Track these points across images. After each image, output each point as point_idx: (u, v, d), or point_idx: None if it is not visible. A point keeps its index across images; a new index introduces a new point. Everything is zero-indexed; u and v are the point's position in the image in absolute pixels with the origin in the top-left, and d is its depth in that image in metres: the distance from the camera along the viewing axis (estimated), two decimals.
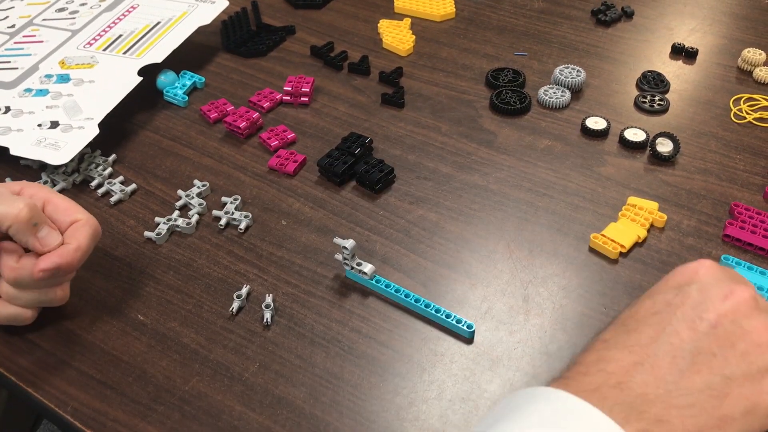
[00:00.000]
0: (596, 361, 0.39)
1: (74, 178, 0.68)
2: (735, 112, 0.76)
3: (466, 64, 0.84)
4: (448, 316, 0.54)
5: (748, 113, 0.76)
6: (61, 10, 0.86)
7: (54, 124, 0.68)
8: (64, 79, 0.74)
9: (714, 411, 0.36)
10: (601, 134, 0.73)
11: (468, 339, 0.54)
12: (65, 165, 0.68)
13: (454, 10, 0.93)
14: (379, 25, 0.91)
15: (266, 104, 0.77)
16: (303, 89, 0.77)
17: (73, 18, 0.84)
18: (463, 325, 0.53)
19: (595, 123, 0.73)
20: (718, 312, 0.39)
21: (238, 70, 0.84)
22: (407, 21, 0.91)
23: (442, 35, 0.90)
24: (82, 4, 0.87)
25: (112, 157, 0.70)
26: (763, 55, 0.82)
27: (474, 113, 0.76)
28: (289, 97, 0.78)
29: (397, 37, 0.87)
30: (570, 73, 0.79)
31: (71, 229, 0.53)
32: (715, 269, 0.42)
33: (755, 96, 0.78)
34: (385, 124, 0.75)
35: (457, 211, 0.65)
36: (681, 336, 0.38)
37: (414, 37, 0.88)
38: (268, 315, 0.55)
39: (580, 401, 0.36)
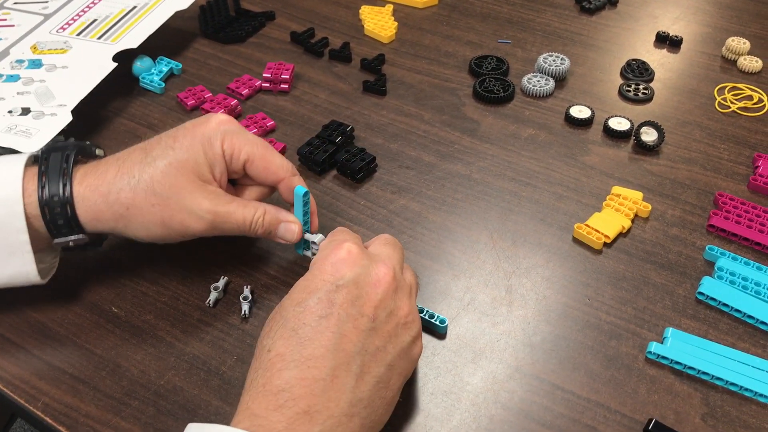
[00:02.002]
0: (282, 388, 0.39)
1: None
2: (719, 101, 0.76)
3: (449, 51, 0.83)
4: (420, 311, 0.52)
5: (732, 102, 0.75)
6: None
7: (25, 111, 0.66)
8: (36, 64, 0.72)
9: (383, 399, 0.42)
10: (585, 123, 0.72)
11: (441, 335, 0.53)
12: None
13: None
14: (360, 11, 0.89)
15: (245, 91, 0.75)
16: (283, 76, 0.75)
17: (46, 2, 0.82)
18: (435, 320, 0.52)
19: (579, 112, 0.72)
20: (373, 304, 0.43)
21: (216, 56, 0.82)
22: (389, 7, 0.90)
23: (424, 22, 0.88)
24: None
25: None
26: (747, 44, 0.81)
27: (457, 101, 0.75)
28: (268, 84, 0.76)
29: (379, 23, 0.86)
30: (554, 61, 0.78)
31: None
32: (359, 254, 0.44)
33: (739, 85, 0.78)
34: (367, 112, 0.74)
35: (439, 200, 0.64)
36: (350, 339, 0.41)
37: (396, 23, 0.87)
38: (245, 307, 0.53)
39: None
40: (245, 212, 0.51)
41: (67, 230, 0.49)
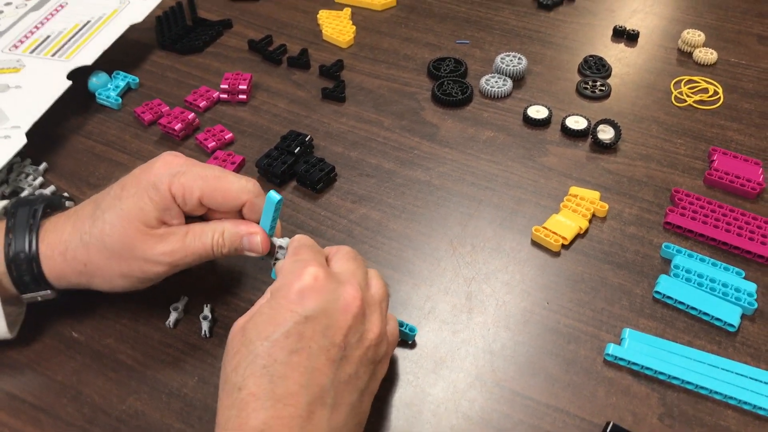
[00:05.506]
0: (261, 429, 0.38)
1: (3, 190, 0.65)
2: (676, 95, 0.76)
3: (407, 54, 0.83)
4: None
5: (688, 96, 0.76)
6: None
7: None
8: None
9: (358, 425, 0.43)
10: (543, 123, 0.72)
11: (411, 344, 0.53)
12: None
13: None
14: (318, 16, 0.89)
15: (203, 103, 0.74)
16: (240, 86, 0.75)
17: None
18: (405, 329, 0.52)
19: (537, 112, 0.73)
20: (343, 332, 0.42)
21: (173, 68, 0.81)
22: (347, 11, 0.89)
23: (383, 25, 0.88)
24: (7, 4, 0.83)
25: (43, 165, 0.68)
26: (702, 36, 0.82)
27: (416, 106, 0.75)
28: (226, 95, 0.76)
29: (337, 28, 0.86)
30: (511, 61, 0.79)
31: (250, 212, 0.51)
32: (325, 279, 0.43)
33: (695, 78, 0.78)
34: (327, 120, 0.74)
35: (400, 208, 0.64)
36: (323, 371, 0.41)
37: (354, 27, 0.86)
38: (206, 326, 0.53)
39: None
40: (203, 239, 0.49)
41: (34, 286, 0.49)
